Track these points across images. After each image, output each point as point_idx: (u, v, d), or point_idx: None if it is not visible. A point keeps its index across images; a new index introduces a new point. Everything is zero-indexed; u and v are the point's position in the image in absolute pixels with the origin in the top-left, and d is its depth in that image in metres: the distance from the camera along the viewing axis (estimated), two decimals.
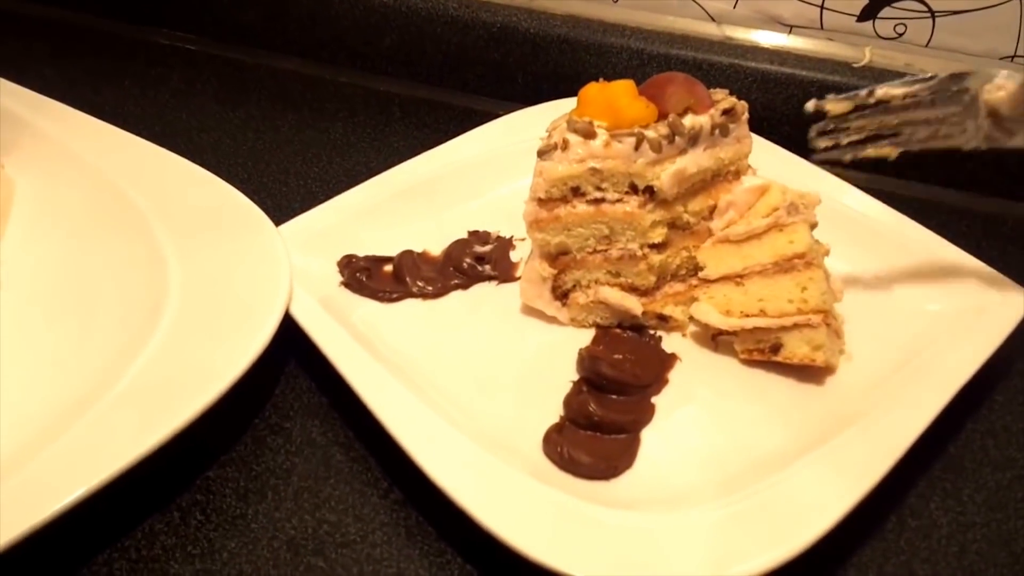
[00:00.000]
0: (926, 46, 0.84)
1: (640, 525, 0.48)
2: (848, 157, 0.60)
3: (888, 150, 0.58)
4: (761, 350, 0.59)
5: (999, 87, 0.55)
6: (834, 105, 0.59)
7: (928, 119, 0.58)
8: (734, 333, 0.59)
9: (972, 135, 0.56)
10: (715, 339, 0.61)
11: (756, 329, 0.58)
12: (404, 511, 0.52)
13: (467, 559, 0.50)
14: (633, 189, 0.59)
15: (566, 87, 0.84)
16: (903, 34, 0.84)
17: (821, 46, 0.85)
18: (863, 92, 0.59)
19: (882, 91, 0.58)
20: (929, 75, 0.57)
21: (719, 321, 0.60)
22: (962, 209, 0.79)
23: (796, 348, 0.58)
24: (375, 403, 0.53)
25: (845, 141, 0.59)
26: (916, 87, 0.57)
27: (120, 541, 0.50)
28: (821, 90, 0.82)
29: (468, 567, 0.50)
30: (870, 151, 0.58)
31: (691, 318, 0.62)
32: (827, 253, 0.60)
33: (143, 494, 0.52)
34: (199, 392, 0.52)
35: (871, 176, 0.78)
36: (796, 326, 0.58)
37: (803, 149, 0.76)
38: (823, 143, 0.60)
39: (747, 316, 0.59)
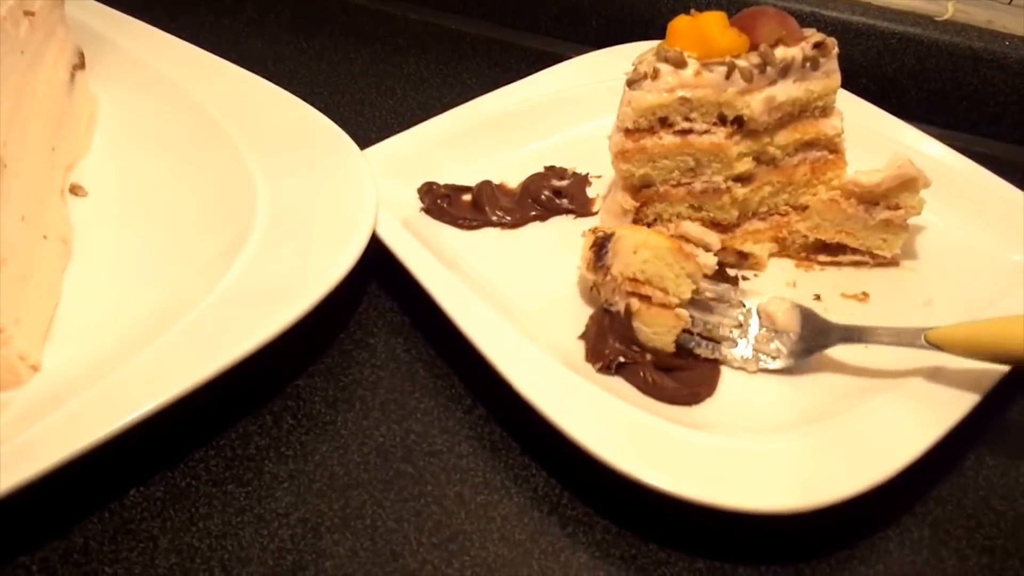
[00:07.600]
0: (1009, 3, 0.82)
1: (726, 446, 0.49)
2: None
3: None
4: None
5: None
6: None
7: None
8: None
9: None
10: None
11: None
12: (488, 426, 0.53)
13: (551, 473, 0.51)
14: (721, 120, 0.59)
15: (639, 31, 0.84)
16: None
17: None
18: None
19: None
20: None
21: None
22: None
23: None
24: (460, 318, 0.54)
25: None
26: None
27: (215, 440, 0.52)
28: (901, 42, 0.82)
29: (552, 480, 0.51)
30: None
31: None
32: None
33: (236, 399, 0.53)
34: (290, 303, 0.52)
35: (945, 132, 0.78)
36: None
37: (881, 100, 0.77)
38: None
39: None
